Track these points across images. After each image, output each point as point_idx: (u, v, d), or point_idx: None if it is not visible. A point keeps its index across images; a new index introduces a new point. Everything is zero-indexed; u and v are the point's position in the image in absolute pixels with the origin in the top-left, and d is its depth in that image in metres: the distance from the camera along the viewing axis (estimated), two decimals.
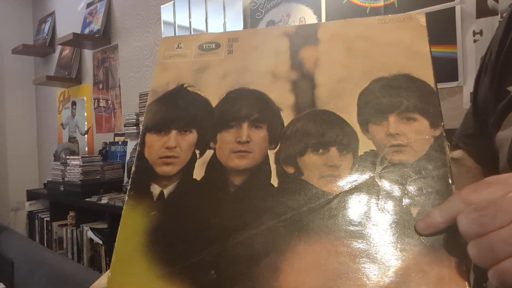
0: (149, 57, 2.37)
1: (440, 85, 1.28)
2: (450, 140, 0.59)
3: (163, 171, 0.34)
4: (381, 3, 1.40)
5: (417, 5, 1.31)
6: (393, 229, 0.29)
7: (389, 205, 0.30)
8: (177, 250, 0.31)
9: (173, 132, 0.36)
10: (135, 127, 2.17)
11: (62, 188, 2.27)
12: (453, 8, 1.23)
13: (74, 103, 2.99)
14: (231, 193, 0.32)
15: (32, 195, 2.80)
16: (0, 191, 3.24)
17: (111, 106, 2.65)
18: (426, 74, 0.34)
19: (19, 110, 3.37)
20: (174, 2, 2.16)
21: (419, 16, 0.37)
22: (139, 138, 0.37)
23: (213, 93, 0.37)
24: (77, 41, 2.61)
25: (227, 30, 1.91)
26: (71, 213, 2.32)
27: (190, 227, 0.31)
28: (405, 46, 0.35)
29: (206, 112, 0.36)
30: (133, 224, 0.32)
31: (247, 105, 0.36)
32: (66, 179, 2.27)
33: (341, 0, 1.50)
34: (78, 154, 2.64)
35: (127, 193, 0.35)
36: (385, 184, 0.30)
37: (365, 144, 0.32)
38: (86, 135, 2.87)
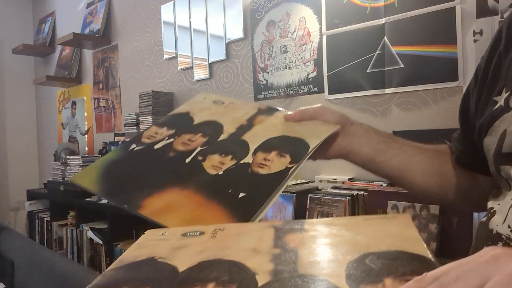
0: (149, 57, 2.37)
1: (440, 85, 1.28)
2: (450, 140, 0.60)
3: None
4: (381, 3, 1.40)
5: (417, 5, 1.31)
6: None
7: None
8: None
9: None
10: (135, 127, 2.17)
11: (62, 188, 2.28)
12: (453, 8, 1.23)
13: (74, 103, 2.99)
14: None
15: (32, 195, 2.80)
16: (0, 191, 3.25)
17: (111, 106, 2.65)
18: (421, 250, 0.32)
19: (19, 110, 3.37)
20: (174, 2, 2.16)
21: (404, 216, 0.37)
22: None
23: (184, 263, 0.34)
24: (77, 41, 2.61)
25: (227, 30, 1.91)
26: (71, 213, 2.33)
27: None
28: (393, 233, 0.35)
29: (170, 276, 0.33)
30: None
31: (218, 271, 0.33)
32: (66, 179, 2.27)
33: (341, 0, 1.50)
34: (78, 154, 2.64)
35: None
36: None
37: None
38: (86, 135, 2.87)
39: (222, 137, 0.53)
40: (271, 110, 0.60)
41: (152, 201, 0.42)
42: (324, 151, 0.56)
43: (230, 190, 0.44)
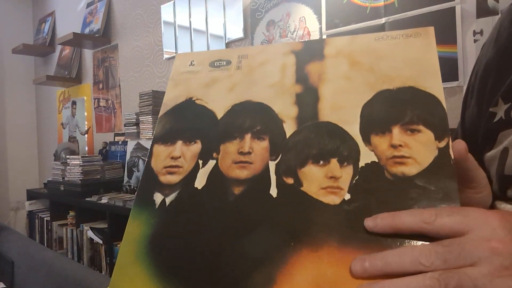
0: (149, 57, 2.37)
1: None
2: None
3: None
4: (381, 3, 1.40)
5: (417, 5, 1.31)
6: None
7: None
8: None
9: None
10: (135, 127, 2.17)
11: (62, 188, 2.27)
12: (453, 8, 1.23)
13: (74, 103, 2.99)
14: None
15: (32, 195, 2.80)
16: (0, 191, 3.24)
17: (111, 105, 2.65)
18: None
19: (19, 110, 3.37)
20: (174, 2, 2.16)
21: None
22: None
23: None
24: (77, 40, 2.61)
25: (227, 29, 1.91)
26: (71, 213, 2.33)
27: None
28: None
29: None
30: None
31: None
32: (66, 178, 2.27)
33: (341, 0, 1.50)
34: (78, 154, 2.64)
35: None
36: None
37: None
38: (86, 135, 2.87)
39: (287, 128, 0.34)
40: (311, 45, 0.39)
41: None
42: None
43: None
